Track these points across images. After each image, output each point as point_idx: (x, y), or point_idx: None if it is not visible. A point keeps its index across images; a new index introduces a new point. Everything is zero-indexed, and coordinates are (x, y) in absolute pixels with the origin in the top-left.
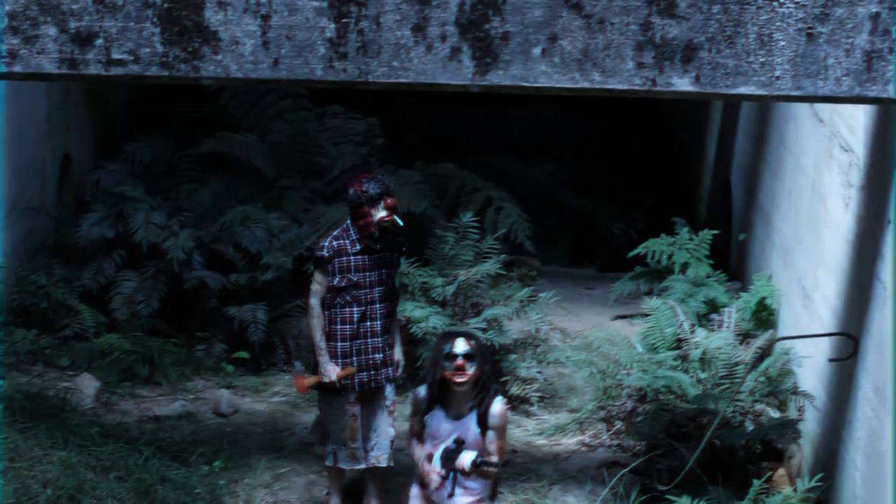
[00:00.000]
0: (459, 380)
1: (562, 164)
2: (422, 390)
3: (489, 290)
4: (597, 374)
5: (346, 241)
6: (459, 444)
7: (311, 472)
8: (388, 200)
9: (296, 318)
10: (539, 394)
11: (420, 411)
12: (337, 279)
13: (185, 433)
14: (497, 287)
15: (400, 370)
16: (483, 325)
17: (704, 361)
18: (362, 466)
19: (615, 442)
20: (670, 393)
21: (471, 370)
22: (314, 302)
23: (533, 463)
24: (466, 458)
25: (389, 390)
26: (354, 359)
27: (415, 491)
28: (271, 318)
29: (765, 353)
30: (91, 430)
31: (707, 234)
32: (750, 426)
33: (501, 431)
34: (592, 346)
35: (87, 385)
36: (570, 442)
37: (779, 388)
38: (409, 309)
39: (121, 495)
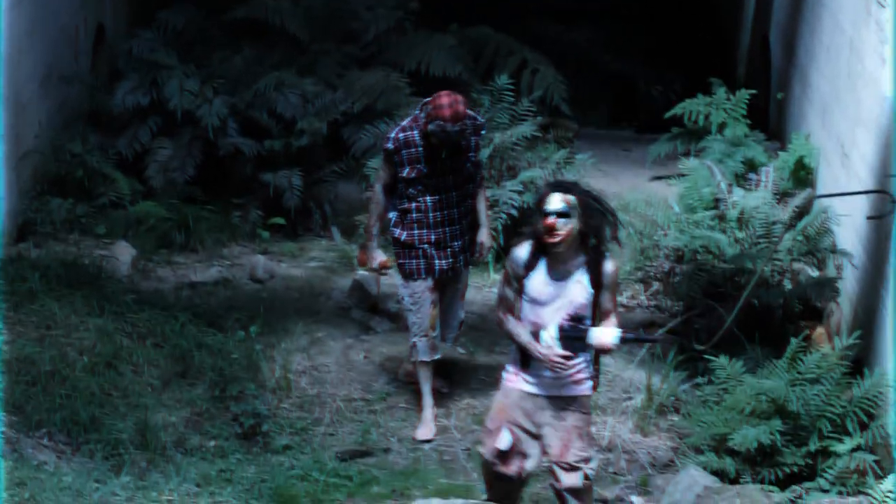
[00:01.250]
0: (552, 240)
1: (600, 27)
2: (519, 251)
3: (525, 153)
4: (634, 235)
5: (416, 132)
6: (578, 321)
7: (348, 337)
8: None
9: (331, 184)
10: None
11: (517, 275)
12: (406, 170)
13: (222, 299)
14: (533, 149)
15: (485, 253)
16: (519, 188)
17: (742, 221)
18: (438, 356)
19: (653, 302)
20: (708, 253)
21: (565, 229)
22: (377, 187)
23: None
24: (608, 335)
25: (465, 274)
26: (430, 248)
27: (511, 371)
28: (307, 184)
29: (803, 211)
30: (127, 297)
31: (745, 94)
32: (788, 285)
33: (614, 291)
34: (630, 208)
35: (123, 253)
36: None
37: (817, 247)
38: None
39: (157, 361)
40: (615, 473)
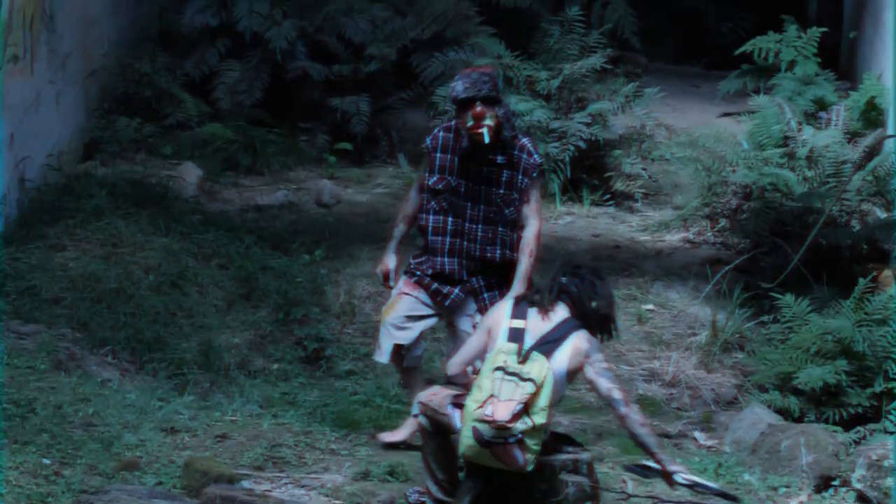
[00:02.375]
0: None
1: None
2: None
3: (594, 85)
4: (702, 171)
5: (453, 135)
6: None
7: None
8: (477, 109)
9: (399, 111)
10: (643, 190)
11: None
12: (434, 179)
13: (287, 222)
14: (602, 82)
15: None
16: (587, 120)
17: (811, 160)
18: (380, 359)
19: (719, 239)
20: (776, 191)
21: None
22: (413, 187)
23: (636, 258)
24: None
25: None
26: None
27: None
28: (374, 110)
29: (873, 152)
30: (193, 217)
31: (816, 32)
32: (856, 226)
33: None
34: (698, 143)
35: (190, 173)
36: (673, 238)
37: (886, 188)
38: (514, 102)
39: (222, 283)
40: (678, 409)
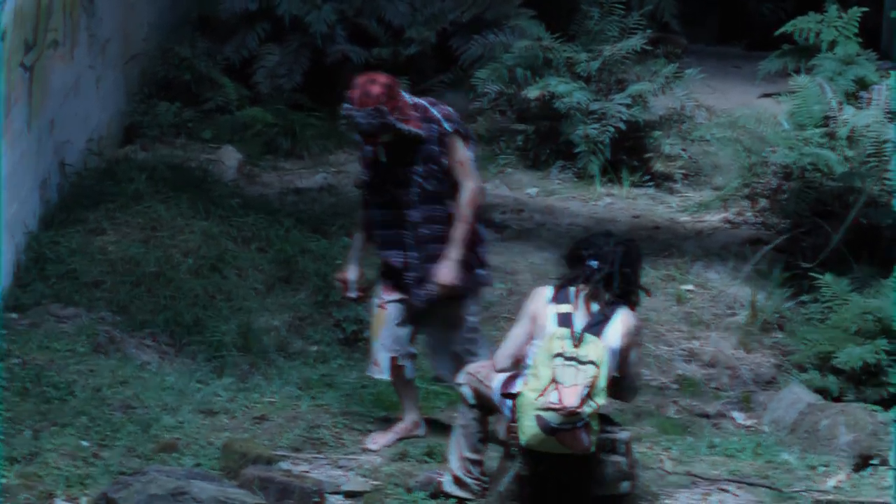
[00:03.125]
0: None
1: None
2: None
3: (634, 66)
4: (742, 152)
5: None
6: None
7: None
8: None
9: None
10: (683, 171)
11: None
12: (367, 173)
13: (326, 205)
14: (642, 63)
15: (439, 291)
16: (627, 101)
17: (852, 139)
18: (383, 377)
19: (759, 219)
20: (816, 170)
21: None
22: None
23: (676, 239)
24: None
25: (457, 305)
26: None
27: None
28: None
29: None
30: (232, 201)
31: (856, 12)
32: None
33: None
34: (738, 124)
35: (229, 157)
36: (713, 219)
37: None
38: (553, 84)
39: (261, 266)
40: (717, 389)
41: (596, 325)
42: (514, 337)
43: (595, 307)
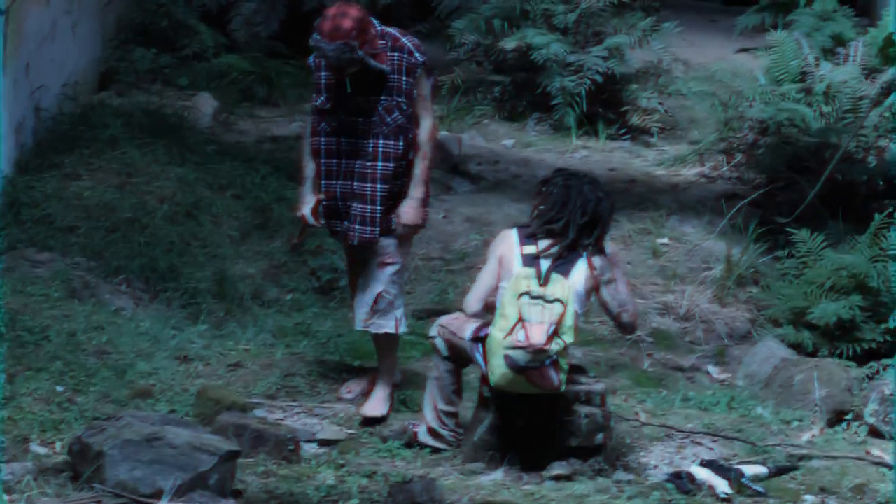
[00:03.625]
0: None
1: None
2: None
3: (611, 19)
4: (718, 106)
5: None
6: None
7: None
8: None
9: None
10: (659, 125)
11: None
12: (322, 99)
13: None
14: (620, 16)
15: (403, 230)
16: (604, 54)
17: (828, 95)
18: (358, 328)
19: (735, 174)
20: (793, 126)
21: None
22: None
23: (651, 193)
24: None
25: (385, 244)
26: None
27: None
28: None
29: (891, 88)
30: (208, 148)
31: None
32: (873, 161)
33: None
34: (715, 78)
35: (206, 104)
36: (689, 173)
37: None
38: (530, 35)
39: (237, 213)
40: (692, 343)
41: (562, 266)
42: (483, 280)
43: (561, 248)
